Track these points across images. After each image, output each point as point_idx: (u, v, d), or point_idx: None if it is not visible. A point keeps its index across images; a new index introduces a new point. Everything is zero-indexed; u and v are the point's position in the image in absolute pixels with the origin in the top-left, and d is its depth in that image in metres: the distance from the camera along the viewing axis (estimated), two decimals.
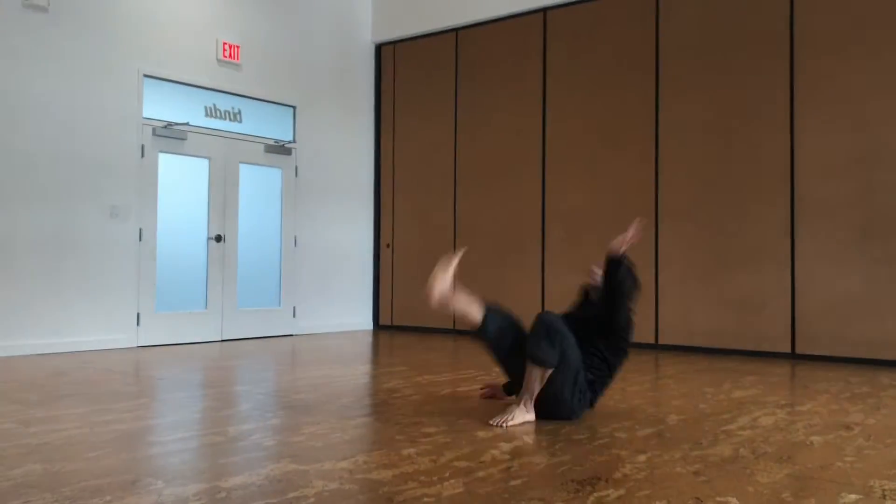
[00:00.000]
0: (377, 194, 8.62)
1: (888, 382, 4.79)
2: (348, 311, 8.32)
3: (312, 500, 2.27)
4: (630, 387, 4.51)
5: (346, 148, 8.35)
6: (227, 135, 7.24)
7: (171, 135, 6.75)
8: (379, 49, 8.67)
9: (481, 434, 3.16)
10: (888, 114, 5.70)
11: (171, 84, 6.86)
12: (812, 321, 5.94)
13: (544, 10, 7.43)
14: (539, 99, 7.43)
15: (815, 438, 3.15)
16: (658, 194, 6.67)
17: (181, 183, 6.96)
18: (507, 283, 7.55)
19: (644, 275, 6.69)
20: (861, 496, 2.34)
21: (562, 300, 7.16)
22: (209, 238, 7.04)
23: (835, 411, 3.78)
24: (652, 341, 6.61)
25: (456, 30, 8.06)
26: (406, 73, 8.46)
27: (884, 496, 2.35)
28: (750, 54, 6.27)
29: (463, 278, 7.85)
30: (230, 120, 7.31)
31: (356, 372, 5.16)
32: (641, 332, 6.68)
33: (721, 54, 6.43)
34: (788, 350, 6.00)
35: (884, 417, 3.64)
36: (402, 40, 8.49)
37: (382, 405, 3.90)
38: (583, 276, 7.13)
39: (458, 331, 7.87)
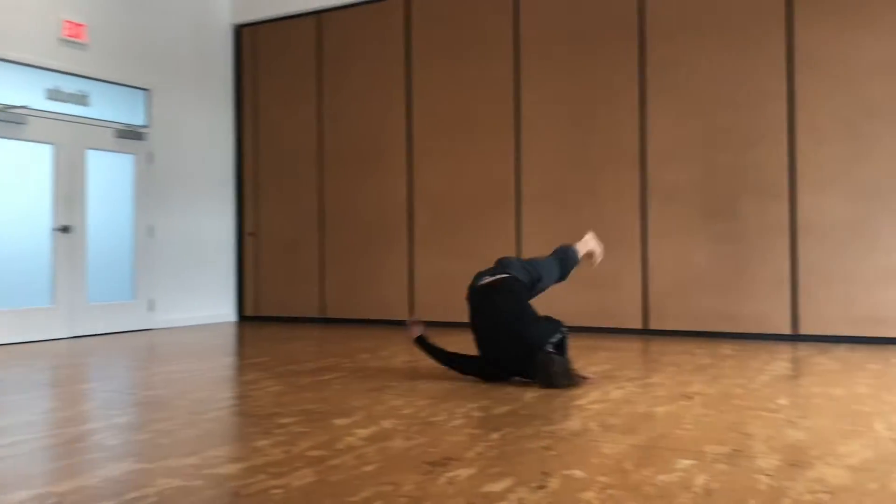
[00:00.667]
0: (239, 181, 8.36)
1: (728, 353, 5.11)
2: (211, 302, 8.05)
3: (154, 499, 2.17)
4: None
5: (205, 133, 8.05)
6: (72, 119, 6.79)
7: (8, 119, 6.27)
8: (239, 31, 8.39)
9: (339, 422, 3.12)
10: (727, 100, 6.05)
11: (6, 64, 6.37)
12: (662, 297, 6.25)
13: None
14: (403, 84, 7.41)
15: (659, 409, 3.31)
16: (520, 178, 6.82)
17: (22, 170, 6.49)
18: (376, 269, 7.52)
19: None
20: (695, 461, 2.48)
21: (430, 284, 7.23)
22: (54, 229, 6.60)
23: (679, 382, 3.99)
24: None
25: (318, 13, 7.91)
26: (268, 55, 8.23)
27: (715, 460, 2.49)
28: (604, 41, 6.50)
29: (331, 263, 7.76)
30: (76, 103, 6.87)
31: (215, 365, 4.99)
32: None
33: (578, 41, 6.63)
34: (640, 326, 6.29)
35: (722, 386, 3.87)
36: (262, 22, 8.25)
37: (239, 398, 3.79)
38: (450, 259, 7.19)
39: (326, 319, 7.77)
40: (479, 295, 4.06)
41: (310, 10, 7.92)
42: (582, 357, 4.94)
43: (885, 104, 5.57)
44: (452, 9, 7.18)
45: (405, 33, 7.42)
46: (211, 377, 4.45)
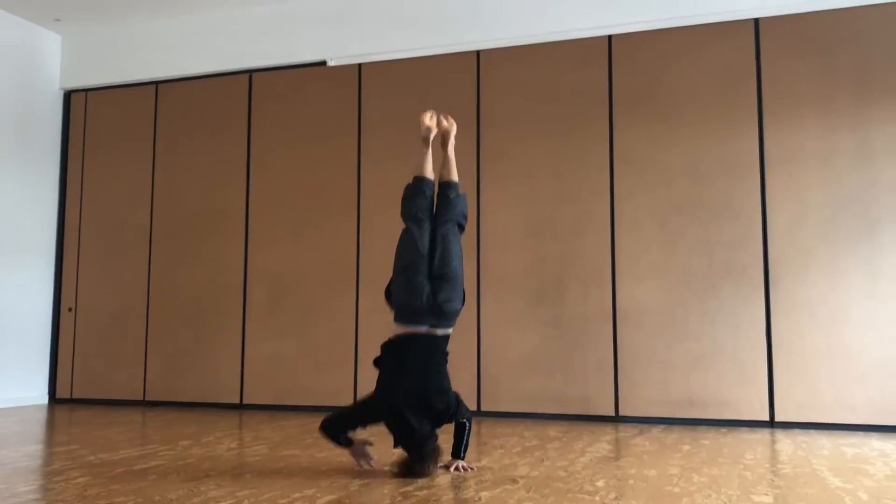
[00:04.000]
0: (59, 253, 7.83)
1: (554, 435, 5.26)
2: (18, 384, 7.36)
3: None
4: (320, 452, 4.47)
5: (26, 202, 7.52)
6: None
7: None
8: (68, 97, 8.02)
9: None
10: (554, 191, 6.42)
11: None
12: (494, 380, 6.39)
13: (249, 73, 7.40)
14: (243, 160, 7.32)
15: (484, 494, 3.33)
16: (359, 260, 6.84)
17: None
18: (206, 348, 7.20)
19: (346, 343, 6.78)
20: None
21: (262, 365, 6.99)
22: None
23: (506, 465, 4.05)
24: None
25: (156, 83, 7.72)
26: (99, 123, 7.89)
27: None
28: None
29: (157, 342, 7.34)
30: None
31: (14, 454, 4.53)
32: (342, 396, 6.73)
33: (414, 129, 6.83)
34: (475, 408, 6.37)
35: (545, 469, 3.97)
36: (95, 89, 7.93)
37: (38, 492, 3.46)
38: (284, 340, 7.01)
39: (148, 402, 7.31)
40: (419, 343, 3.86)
41: (147, 80, 7.72)
42: None
43: (689, 202, 6.11)
44: (295, 86, 7.24)
45: (247, 108, 7.37)
46: (8, 468, 4.04)
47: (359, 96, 7.04)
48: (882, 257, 5.69)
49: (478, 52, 6.77)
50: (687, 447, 4.76)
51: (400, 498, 3.26)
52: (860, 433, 5.45)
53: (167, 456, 4.35)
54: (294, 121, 7.23)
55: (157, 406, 7.21)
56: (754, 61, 6.12)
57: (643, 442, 4.99)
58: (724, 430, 5.63)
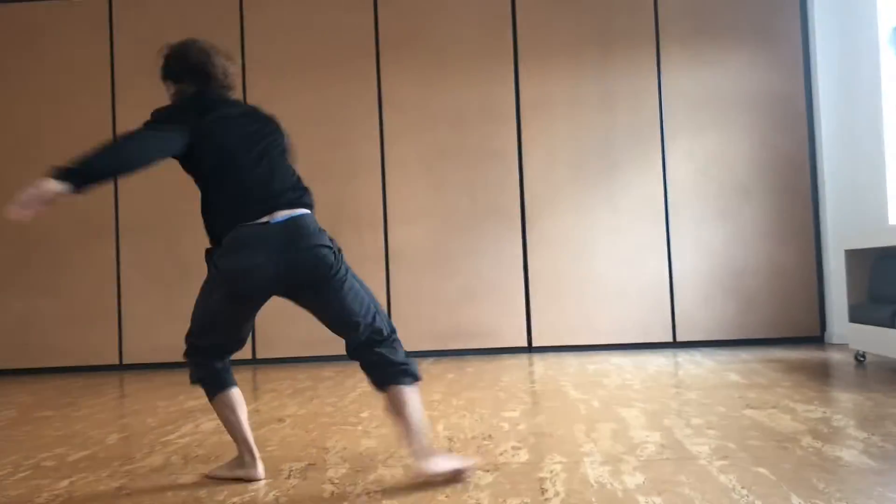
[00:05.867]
0: None
1: (328, 375, 5.37)
2: None
3: None
4: (76, 412, 4.25)
5: None
6: None
7: None
8: None
9: None
10: (325, 136, 6.41)
11: None
12: (268, 326, 6.35)
13: None
14: None
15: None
16: (118, 206, 6.45)
17: None
18: None
19: (105, 295, 6.40)
20: (270, 480, 2.56)
21: (13, 327, 6.45)
22: None
23: (275, 407, 4.09)
24: (116, 363, 6.34)
25: None
26: None
27: (289, 476, 2.61)
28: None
29: None
30: None
31: None
32: (105, 354, 6.39)
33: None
34: (250, 357, 6.33)
35: (314, 406, 4.06)
36: None
37: None
38: (34, 299, 6.43)
39: None
40: None
41: None
42: (183, 392, 4.80)
43: (452, 146, 6.38)
44: (39, 25, 6.58)
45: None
46: None
47: (110, 32, 6.55)
48: (621, 194, 6.31)
49: None
50: (451, 375, 5.07)
51: (160, 447, 3.19)
52: (604, 352, 6.09)
53: None
54: (36, 55, 6.58)
55: None
56: (510, 10, 6.44)
57: None
58: (488, 357, 6.04)
